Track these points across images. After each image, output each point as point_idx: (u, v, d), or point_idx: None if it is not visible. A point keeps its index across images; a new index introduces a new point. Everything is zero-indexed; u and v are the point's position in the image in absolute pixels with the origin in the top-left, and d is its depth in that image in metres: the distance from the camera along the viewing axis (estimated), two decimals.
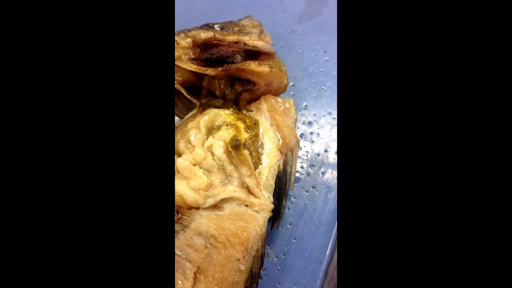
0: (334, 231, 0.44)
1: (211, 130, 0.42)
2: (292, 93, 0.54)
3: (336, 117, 0.51)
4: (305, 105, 0.53)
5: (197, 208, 0.39)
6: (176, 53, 0.44)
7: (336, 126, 0.51)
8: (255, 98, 0.47)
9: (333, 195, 0.47)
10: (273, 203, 0.41)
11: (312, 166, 0.49)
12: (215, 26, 0.46)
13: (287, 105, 0.47)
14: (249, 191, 0.40)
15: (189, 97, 0.45)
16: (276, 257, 0.44)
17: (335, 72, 0.54)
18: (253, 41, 0.44)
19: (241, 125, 0.43)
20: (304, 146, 0.50)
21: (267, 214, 0.40)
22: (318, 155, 0.49)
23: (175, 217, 0.39)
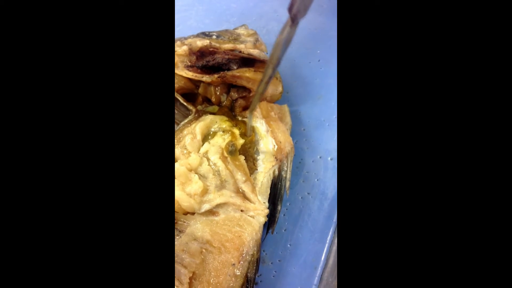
0: (329, 237, 0.44)
1: (207, 136, 0.43)
2: (287, 100, 0.54)
3: (329, 124, 0.52)
4: (300, 112, 0.54)
5: (193, 214, 0.40)
6: None
7: (331, 132, 0.51)
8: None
9: (328, 201, 0.47)
10: (268, 208, 0.41)
11: (307, 172, 0.49)
12: (211, 34, 0.46)
13: (282, 112, 0.48)
14: (244, 196, 0.41)
15: (185, 103, 0.45)
16: (271, 263, 0.44)
17: (329, 80, 0.55)
18: (248, 49, 0.45)
19: (236, 131, 0.43)
20: (299, 152, 0.51)
21: (262, 219, 0.40)
22: (313, 161, 0.50)
23: None
